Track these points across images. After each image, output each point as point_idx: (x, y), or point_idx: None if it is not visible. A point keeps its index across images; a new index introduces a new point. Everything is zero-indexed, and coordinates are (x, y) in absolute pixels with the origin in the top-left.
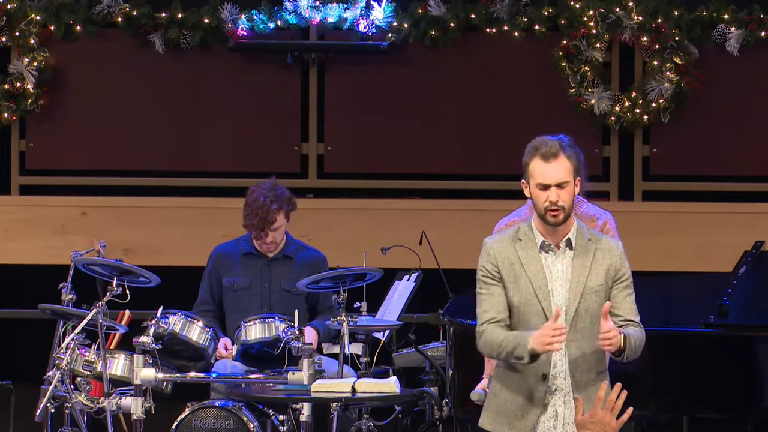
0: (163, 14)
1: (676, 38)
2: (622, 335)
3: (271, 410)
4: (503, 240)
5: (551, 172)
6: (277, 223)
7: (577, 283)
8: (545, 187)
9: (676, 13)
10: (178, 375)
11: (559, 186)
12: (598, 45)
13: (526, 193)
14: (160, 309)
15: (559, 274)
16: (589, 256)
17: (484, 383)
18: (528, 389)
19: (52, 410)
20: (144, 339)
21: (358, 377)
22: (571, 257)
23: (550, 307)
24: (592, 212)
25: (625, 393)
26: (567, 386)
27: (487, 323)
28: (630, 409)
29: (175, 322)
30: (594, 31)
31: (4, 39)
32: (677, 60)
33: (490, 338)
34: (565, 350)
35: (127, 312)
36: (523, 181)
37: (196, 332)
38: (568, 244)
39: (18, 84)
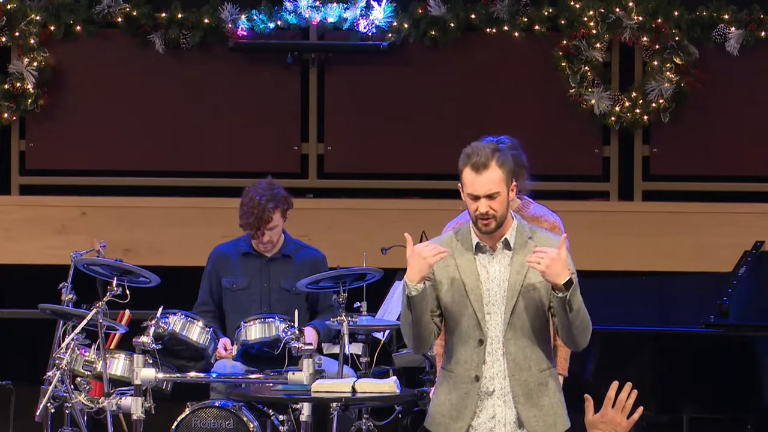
0: (163, 14)
1: (676, 38)
2: (574, 275)
3: (271, 410)
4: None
5: (480, 183)
6: (273, 222)
7: (514, 281)
8: (475, 198)
9: (676, 13)
10: (178, 375)
11: (489, 197)
12: (598, 45)
13: (462, 197)
14: (160, 309)
15: (496, 274)
16: (528, 254)
17: None
18: (461, 391)
19: (52, 410)
20: (144, 339)
21: (358, 377)
22: (510, 256)
23: (482, 308)
24: (539, 213)
25: (635, 392)
26: (506, 386)
27: None
28: (641, 408)
29: (175, 322)
30: (594, 31)
31: (4, 39)
32: (677, 60)
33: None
34: (503, 350)
35: (127, 312)
36: (459, 184)
37: (196, 332)
38: (506, 244)
39: (18, 84)
